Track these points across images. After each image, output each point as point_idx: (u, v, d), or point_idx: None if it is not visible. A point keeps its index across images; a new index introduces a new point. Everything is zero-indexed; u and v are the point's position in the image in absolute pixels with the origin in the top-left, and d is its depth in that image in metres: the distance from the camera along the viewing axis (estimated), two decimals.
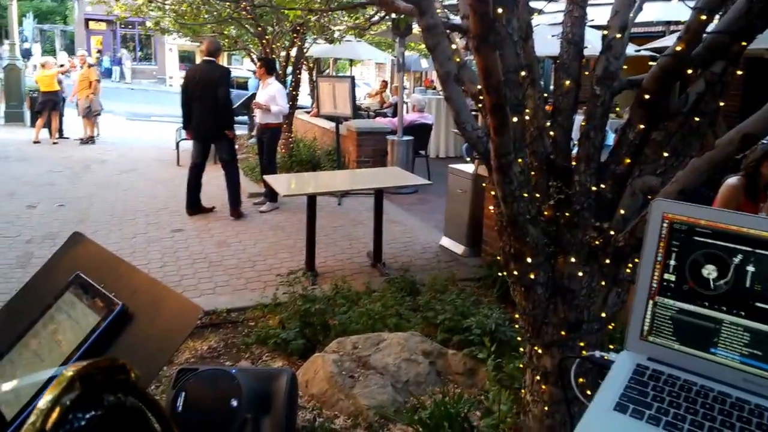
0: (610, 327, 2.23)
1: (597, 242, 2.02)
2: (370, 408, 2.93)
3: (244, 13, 8.16)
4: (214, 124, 6.56)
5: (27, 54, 23.44)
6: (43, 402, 0.55)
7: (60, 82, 11.80)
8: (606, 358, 1.01)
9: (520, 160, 2.00)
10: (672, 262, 0.96)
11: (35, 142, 11.35)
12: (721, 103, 1.82)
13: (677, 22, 8.57)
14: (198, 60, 31.72)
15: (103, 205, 7.23)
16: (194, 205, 6.85)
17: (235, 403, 1.97)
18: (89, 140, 11.77)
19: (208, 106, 6.50)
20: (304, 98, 13.22)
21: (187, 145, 10.29)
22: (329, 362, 3.18)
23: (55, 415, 0.54)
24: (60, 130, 11.98)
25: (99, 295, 1.18)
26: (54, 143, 11.41)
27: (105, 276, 1.22)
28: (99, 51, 29.99)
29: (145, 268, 5.06)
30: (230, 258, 5.46)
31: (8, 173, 8.70)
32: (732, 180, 3.32)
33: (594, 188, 2.03)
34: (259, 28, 8.86)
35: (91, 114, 11.67)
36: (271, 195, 7.07)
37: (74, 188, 8.05)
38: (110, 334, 1.12)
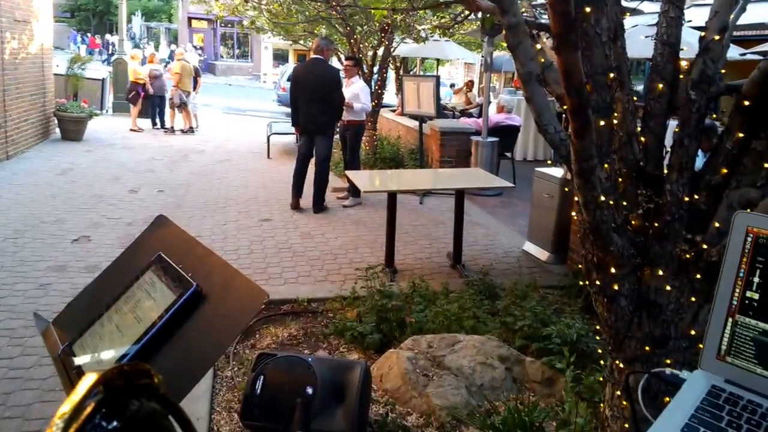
0: (700, 346, 2.12)
1: (688, 255, 1.92)
2: (443, 408, 2.92)
3: (333, 13, 8.35)
4: (320, 123, 6.76)
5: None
6: (66, 406, 0.54)
7: (157, 77, 12.57)
8: (678, 375, 0.96)
9: (606, 166, 1.93)
10: (756, 280, 0.90)
11: (133, 130, 12.16)
12: None
13: None
14: (292, 57, 32.45)
15: (198, 193, 7.64)
16: (299, 197, 7.03)
17: (310, 390, 2.04)
18: (185, 130, 12.44)
19: (315, 104, 6.67)
20: (389, 97, 13.35)
21: (276, 140, 10.77)
22: (404, 359, 3.21)
23: (80, 420, 0.54)
24: (162, 121, 12.78)
25: (176, 274, 1.24)
26: (132, 130, 12.07)
27: (184, 257, 1.29)
28: (202, 48, 31.64)
29: (235, 254, 5.32)
30: (313, 249, 5.62)
31: (114, 159, 9.37)
32: None
33: (687, 199, 1.93)
34: (348, 28, 9.03)
35: (173, 106, 12.38)
36: (354, 190, 7.20)
37: (173, 175, 8.55)
38: (184, 312, 1.18)
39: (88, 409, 0.55)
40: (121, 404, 0.58)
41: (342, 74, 7.36)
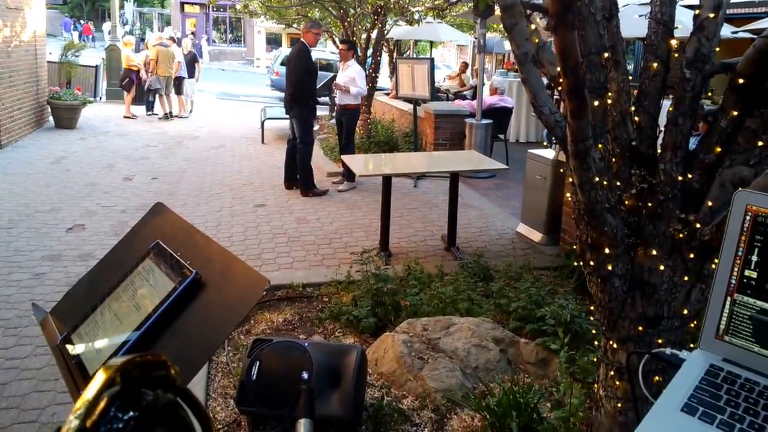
0: (692, 325, 2.13)
1: (681, 235, 1.91)
2: (438, 391, 2.94)
3: None
4: (288, 102, 6.93)
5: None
6: (82, 401, 0.54)
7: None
8: (678, 355, 0.96)
9: (600, 146, 1.92)
10: (754, 258, 0.89)
11: (127, 117, 12.06)
12: None
13: None
14: (285, 41, 32.28)
15: (192, 179, 7.60)
16: (290, 179, 7.20)
17: (306, 375, 2.04)
18: (177, 116, 12.39)
19: (288, 84, 6.89)
20: (383, 80, 13.26)
21: (270, 125, 10.71)
22: (399, 342, 3.21)
23: (97, 411, 0.54)
24: (151, 107, 12.66)
25: (175, 262, 1.23)
26: (125, 117, 11.97)
27: (182, 245, 1.27)
28: (193, 33, 31.32)
29: (229, 240, 5.30)
30: (308, 234, 5.61)
31: (108, 147, 9.30)
32: None
33: (680, 178, 1.92)
34: (341, 10, 8.95)
35: (148, 91, 12.30)
36: (348, 174, 7.18)
37: (167, 162, 8.50)
38: (183, 300, 1.17)
39: (103, 402, 0.54)
40: (136, 395, 0.58)
41: (307, 54, 7.15)
